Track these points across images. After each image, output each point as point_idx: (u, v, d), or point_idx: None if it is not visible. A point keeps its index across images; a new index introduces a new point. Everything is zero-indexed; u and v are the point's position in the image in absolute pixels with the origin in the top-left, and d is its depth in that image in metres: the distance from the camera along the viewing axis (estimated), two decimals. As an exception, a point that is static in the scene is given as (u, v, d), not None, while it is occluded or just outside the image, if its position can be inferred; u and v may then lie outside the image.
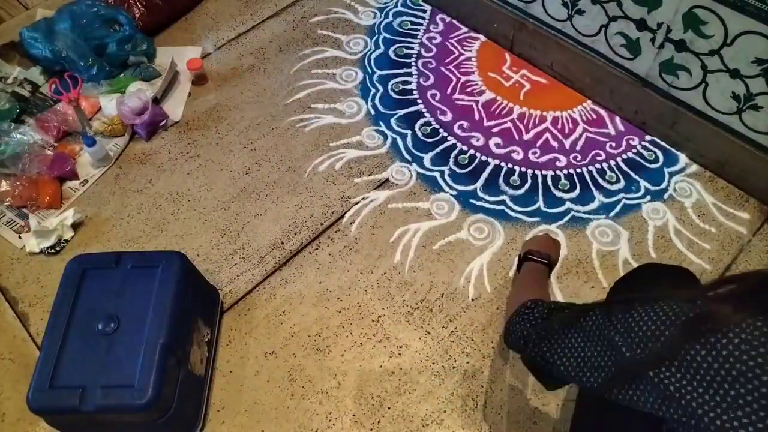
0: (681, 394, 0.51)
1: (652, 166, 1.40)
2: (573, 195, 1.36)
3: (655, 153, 1.42)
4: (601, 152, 1.43)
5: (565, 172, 1.40)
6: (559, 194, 1.36)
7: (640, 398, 0.55)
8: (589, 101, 1.53)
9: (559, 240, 1.20)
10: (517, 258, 1.12)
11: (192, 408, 1.05)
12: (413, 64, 1.65)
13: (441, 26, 1.74)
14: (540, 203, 1.35)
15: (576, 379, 0.63)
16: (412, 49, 1.69)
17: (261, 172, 1.44)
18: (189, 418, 1.04)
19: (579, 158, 1.42)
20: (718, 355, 0.49)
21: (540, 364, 0.70)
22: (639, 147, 1.43)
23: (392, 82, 1.61)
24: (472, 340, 1.15)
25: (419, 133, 1.49)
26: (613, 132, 1.47)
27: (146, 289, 0.98)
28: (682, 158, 1.41)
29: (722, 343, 0.49)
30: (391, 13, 1.79)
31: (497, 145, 1.46)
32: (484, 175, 1.41)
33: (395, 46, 1.70)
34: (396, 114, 1.54)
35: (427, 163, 1.43)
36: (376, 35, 1.73)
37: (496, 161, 1.43)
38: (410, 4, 1.80)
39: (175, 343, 0.95)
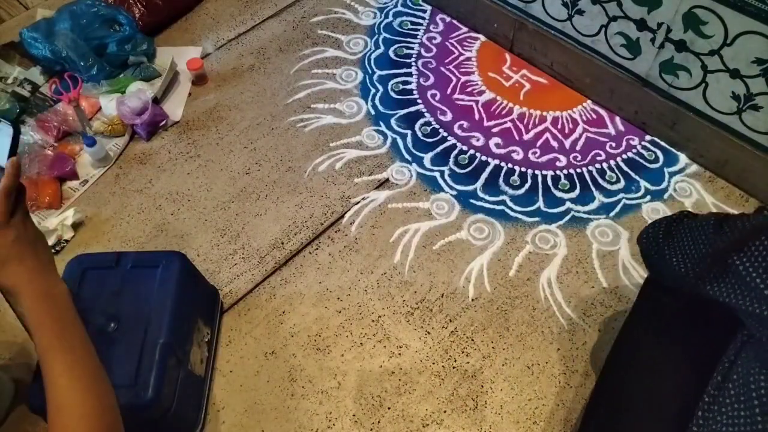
0: (752, 278, 0.61)
1: (652, 166, 1.40)
2: (573, 195, 1.36)
3: (655, 153, 1.42)
4: (601, 152, 1.43)
5: (565, 172, 1.40)
6: (559, 194, 1.36)
7: (726, 288, 0.65)
8: (589, 101, 1.53)
9: None
10: None
11: (192, 408, 1.05)
12: (413, 64, 1.65)
13: (441, 26, 1.74)
14: (540, 203, 1.35)
15: (683, 271, 0.74)
16: (412, 49, 1.69)
17: (261, 172, 1.44)
18: (189, 417, 1.04)
19: (579, 158, 1.42)
20: None
21: (655, 259, 0.83)
22: (639, 147, 1.43)
23: (392, 82, 1.61)
24: (472, 340, 1.15)
25: (419, 133, 1.49)
26: (613, 132, 1.47)
27: (146, 289, 0.98)
28: (682, 158, 1.41)
29: None
30: (391, 13, 1.79)
31: (497, 145, 1.46)
32: (484, 175, 1.41)
33: (395, 46, 1.70)
34: (396, 114, 1.54)
35: (427, 163, 1.43)
36: (376, 35, 1.73)
37: (496, 161, 1.43)
38: (410, 4, 1.80)
39: (175, 343, 0.95)
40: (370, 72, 1.64)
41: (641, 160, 1.41)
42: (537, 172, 1.40)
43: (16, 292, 0.60)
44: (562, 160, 1.42)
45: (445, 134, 1.49)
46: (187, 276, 1.04)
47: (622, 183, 1.37)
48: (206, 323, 1.11)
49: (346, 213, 1.35)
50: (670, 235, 0.79)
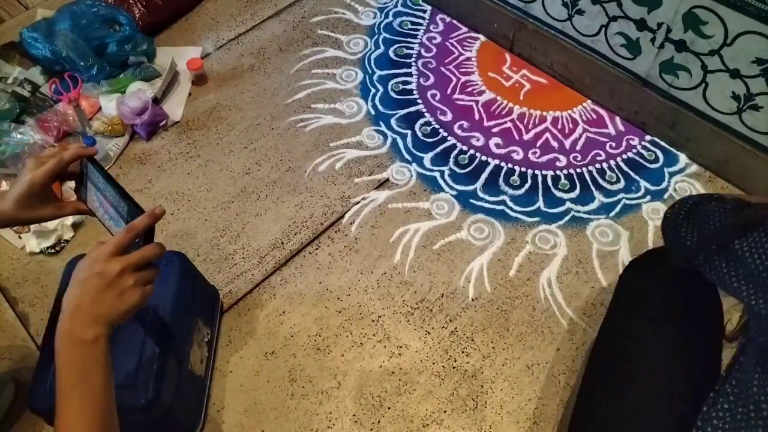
0: (752, 261, 0.63)
1: (652, 166, 1.40)
2: (573, 195, 1.36)
3: (655, 153, 1.42)
4: (601, 152, 1.43)
5: (565, 172, 1.40)
6: (559, 194, 1.36)
7: (721, 268, 0.67)
8: (589, 101, 1.53)
9: None
10: None
11: (192, 408, 1.05)
12: (413, 64, 1.65)
13: (441, 26, 1.74)
14: (540, 203, 1.35)
15: (688, 244, 0.76)
16: (412, 49, 1.69)
17: (261, 172, 1.44)
18: (189, 418, 1.04)
19: (579, 158, 1.42)
20: None
21: (674, 239, 0.82)
22: (639, 147, 1.43)
23: (392, 82, 1.61)
24: (472, 340, 1.15)
25: (419, 133, 1.49)
26: (613, 132, 1.47)
27: None
28: (682, 158, 1.40)
29: None
30: (391, 13, 1.79)
31: (497, 145, 1.46)
32: (484, 175, 1.41)
33: (395, 46, 1.70)
34: (396, 114, 1.54)
35: (427, 163, 1.43)
36: (376, 35, 1.73)
37: (496, 161, 1.43)
38: (410, 4, 1.80)
39: (175, 342, 0.95)
40: (370, 72, 1.64)
41: (641, 160, 1.41)
42: (537, 172, 1.40)
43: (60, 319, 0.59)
44: (562, 160, 1.42)
45: (445, 134, 1.49)
46: (187, 276, 1.04)
47: (622, 183, 1.37)
48: (206, 323, 1.11)
49: (346, 213, 1.35)
50: (691, 214, 0.79)
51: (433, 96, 1.57)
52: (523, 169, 1.41)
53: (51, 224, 1.30)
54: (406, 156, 1.45)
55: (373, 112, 1.55)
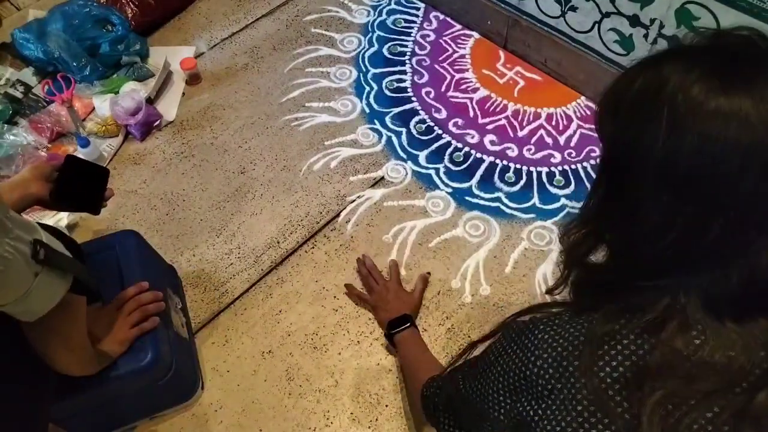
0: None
1: (647, 161, 1.40)
2: (568, 191, 1.37)
3: (649, 148, 1.42)
4: (596, 148, 1.44)
5: (559, 168, 1.41)
6: (554, 190, 1.37)
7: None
8: (583, 98, 1.53)
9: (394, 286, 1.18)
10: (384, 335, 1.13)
11: (189, 369, 1.08)
12: (407, 61, 1.65)
13: (435, 24, 1.74)
14: (535, 200, 1.35)
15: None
16: (406, 47, 1.69)
17: (256, 171, 1.43)
18: (188, 379, 1.07)
19: (573, 154, 1.43)
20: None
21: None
22: (633, 143, 1.44)
23: (386, 80, 1.61)
24: (469, 337, 1.16)
25: (414, 131, 1.49)
26: (607, 128, 1.47)
27: (111, 269, 1.00)
28: (676, 153, 1.41)
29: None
30: (384, 11, 1.79)
31: (492, 142, 1.46)
32: (479, 172, 1.41)
33: (389, 44, 1.70)
34: (390, 112, 1.54)
35: (422, 160, 1.44)
36: (370, 33, 1.73)
37: (491, 158, 1.43)
38: (403, 2, 1.80)
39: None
40: (364, 70, 1.64)
41: (635, 156, 1.41)
42: (532, 168, 1.41)
43: None
44: (557, 157, 1.42)
45: (440, 132, 1.49)
46: (144, 249, 1.08)
47: (617, 179, 1.38)
48: (175, 292, 1.14)
49: (341, 211, 1.35)
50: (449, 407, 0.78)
51: (428, 94, 1.57)
52: (518, 166, 1.41)
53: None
54: (401, 154, 1.45)
55: (367, 111, 1.55)
